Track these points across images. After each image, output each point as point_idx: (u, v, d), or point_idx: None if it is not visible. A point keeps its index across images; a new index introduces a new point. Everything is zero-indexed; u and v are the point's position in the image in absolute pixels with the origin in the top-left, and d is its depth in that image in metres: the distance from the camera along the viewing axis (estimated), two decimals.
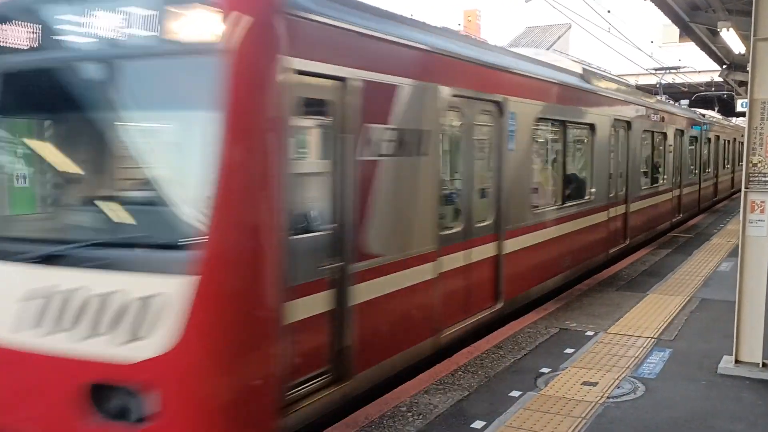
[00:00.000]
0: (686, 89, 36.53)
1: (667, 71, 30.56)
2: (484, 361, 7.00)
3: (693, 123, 20.29)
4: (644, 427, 5.43)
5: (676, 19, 16.86)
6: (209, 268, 4.30)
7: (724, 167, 27.22)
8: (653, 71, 30.03)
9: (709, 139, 23.04)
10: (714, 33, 16.85)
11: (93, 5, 4.77)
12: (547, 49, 13.61)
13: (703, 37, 18.47)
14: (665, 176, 16.70)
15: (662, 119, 16.17)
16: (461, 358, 7.05)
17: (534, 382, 6.42)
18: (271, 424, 4.73)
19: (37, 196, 5.77)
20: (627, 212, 13.33)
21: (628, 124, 13.29)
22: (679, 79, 34.80)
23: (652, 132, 15.55)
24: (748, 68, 6.52)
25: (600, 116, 11.67)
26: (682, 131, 18.33)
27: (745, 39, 14.79)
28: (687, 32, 18.15)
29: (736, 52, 17.63)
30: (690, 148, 19.80)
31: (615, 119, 12.43)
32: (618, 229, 12.88)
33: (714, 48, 19.92)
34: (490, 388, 6.27)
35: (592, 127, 11.37)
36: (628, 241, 13.54)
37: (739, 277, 6.60)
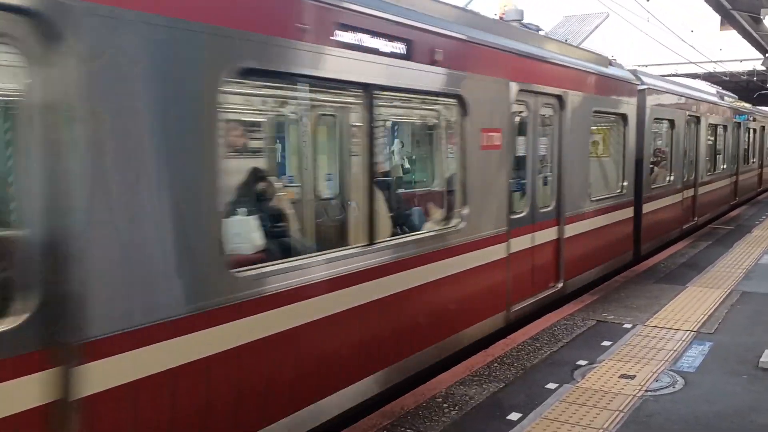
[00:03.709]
0: (727, 78, 35.80)
1: (714, 62, 30.10)
2: (520, 353, 6.98)
3: None
4: (683, 421, 5.37)
5: (717, 7, 16.53)
6: None
7: None
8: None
9: None
10: (756, 20, 16.48)
11: None
12: (585, 38, 13.49)
13: (745, 25, 18.07)
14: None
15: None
16: (497, 350, 7.04)
17: (571, 375, 6.38)
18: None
19: None
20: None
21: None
22: (720, 68, 34.08)
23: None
24: None
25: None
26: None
27: None
28: (728, 20, 17.80)
29: None
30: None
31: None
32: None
33: (756, 36, 19.48)
34: (527, 380, 6.25)
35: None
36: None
37: None
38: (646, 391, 5.94)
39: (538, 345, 7.23)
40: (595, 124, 10.41)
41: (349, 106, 7.66)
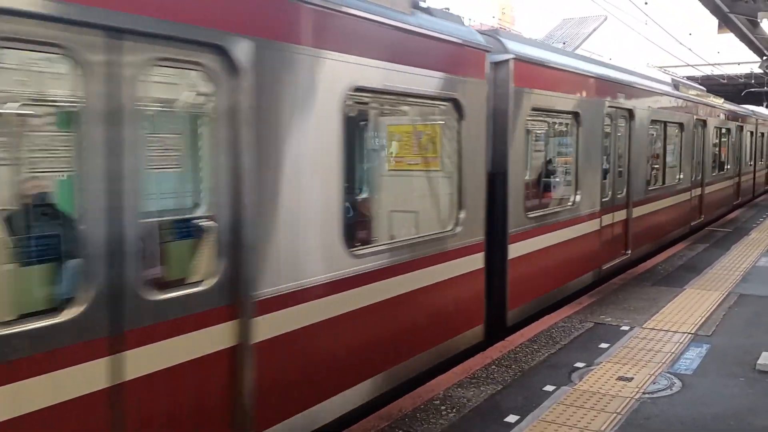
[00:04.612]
0: (725, 81, 35.89)
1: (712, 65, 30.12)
2: (517, 355, 6.98)
3: None
4: (681, 423, 5.38)
5: (715, 10, 16.57)
6: None
7: None
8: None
9: None
10: (754, 24, 16.52)
11: None
12: (583, 41, 13.51)
13: (742, 28, 18.13)
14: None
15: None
16: (494, 352, 7.04)
17: (568, 377, 6.39)
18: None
19: None
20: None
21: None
22: (717, 71, 34.19)
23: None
24: None
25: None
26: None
27: None
28: (726, 23, 17.84)
29: None
30: None
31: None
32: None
33: (754, 39, 19.54)
34: (524, 382, 6.25)
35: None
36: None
37: None
38: (644, 393, 5.94)
39: (535, 347, 7.23)
40: (369, 116, 6.86)
41: None
